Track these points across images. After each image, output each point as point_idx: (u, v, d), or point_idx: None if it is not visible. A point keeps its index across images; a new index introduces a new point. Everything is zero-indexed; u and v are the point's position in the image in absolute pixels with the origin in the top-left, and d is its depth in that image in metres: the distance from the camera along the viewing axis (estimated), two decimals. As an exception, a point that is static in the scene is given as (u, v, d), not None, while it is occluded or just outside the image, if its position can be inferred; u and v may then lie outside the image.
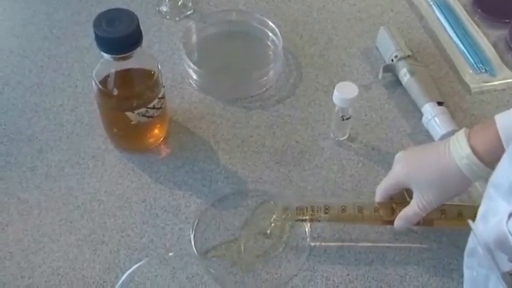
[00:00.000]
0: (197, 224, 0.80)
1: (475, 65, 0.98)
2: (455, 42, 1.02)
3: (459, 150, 0.66)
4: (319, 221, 0.76)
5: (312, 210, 0.76)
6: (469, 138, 0.66)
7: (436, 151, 0.70)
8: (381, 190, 0.76)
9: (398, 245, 0.79)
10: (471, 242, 0.59)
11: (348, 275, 0.76)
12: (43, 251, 0.77)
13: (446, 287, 0.75)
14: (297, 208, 0.77)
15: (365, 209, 0.76)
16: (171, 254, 0.77)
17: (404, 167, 0.73)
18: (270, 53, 1.01)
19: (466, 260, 0.61)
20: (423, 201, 0.70)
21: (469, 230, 0.58)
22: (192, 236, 0.79)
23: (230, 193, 0.83)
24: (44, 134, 0.90)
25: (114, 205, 0.82)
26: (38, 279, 0.75)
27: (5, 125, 0.90)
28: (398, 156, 0.75)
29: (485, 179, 0.57)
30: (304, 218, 0.76)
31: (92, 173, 0.85)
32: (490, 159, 0.65)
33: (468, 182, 0.68)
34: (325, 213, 0.76)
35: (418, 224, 0.74)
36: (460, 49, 1.01)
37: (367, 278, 0.76)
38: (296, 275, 0.76)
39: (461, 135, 0.67)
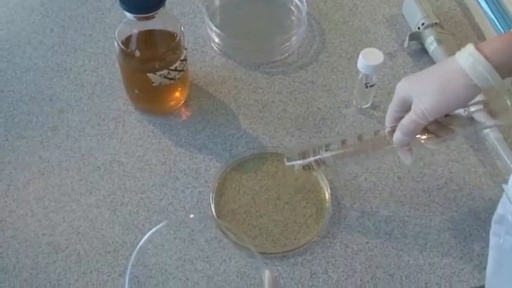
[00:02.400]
0: (217, 187, 0.80)
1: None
2: (484, 10, 0.99)
3: (463, 51, 0.60)
4: (325, 163, 0.73)
5: (314, 151, 0.73)
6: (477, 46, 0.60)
7: (439, 63, 0.64)
8: (388, 115, 0.69)
9: (419, 214, 0.78)
10: (501, 209, 0.58)
11: (368, 243, 0.75)
12: (63, 210, 0.78)
13: (467, 257, 0.74)
14: (298, 153, 0.74)
15: (364, 135, 0.71)
16: (191, 216, 0.77)
17: (405, 80, 0.66)
18: (294, 18, 0.99)
19: (494, 227, 0.60)
20: (420, 107, 0.62)
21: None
22: (211, 199, 0.79)
23: (250, 157, 0.83)
24: (65, 94, 0.89)
25: (134, 167, 0.82)
26: (59, 238, 0.76)
27: (26, 84, 0.90)
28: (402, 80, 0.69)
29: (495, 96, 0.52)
30: (309, 160, 0.73)
31: (112, 134, 0.85)
32: (498, 61, 0.57)
33: (472, 89, 0.59)
34: (326, 150, 0.72)
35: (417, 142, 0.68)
36: (489, 17, 0.98)
37: (387, 247, 0.75)
38: (315, 242, 0.75)
39: (468, 44, 0.61)
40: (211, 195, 0.79)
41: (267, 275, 0.68)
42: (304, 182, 0.80)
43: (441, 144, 0.69)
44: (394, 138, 0.67)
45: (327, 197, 0.78)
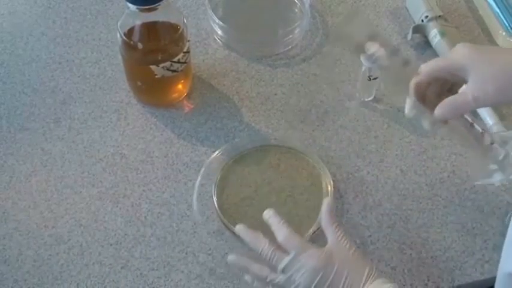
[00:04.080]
0: (219, 180, 0.80)
1: (508, 27, 0.95)
2: (488, 3, 0.98)
3: None
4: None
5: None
6: None
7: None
8: (426, 69, 0.65)
9: (422, 207, 0.78)
10: None
11: (370, 236, 0.75)
12: (66, 202, 0.78)
13: (469, 251, 0.74)
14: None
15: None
16: (195, 208, 0.77)
17: (465, 47, 0.62)
18: (297, 10, 0.99)
19: None
20: (479, 91, 0.59)
21: None
22: (213, 191, 0.78)
23: (253, 149, 0.83)
24: (68, 86, 0.89)
25: (136, 159, 0.82)
26: (61, 230, 0.76)
27: (29, 75, 0.90)
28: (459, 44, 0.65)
29: None
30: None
31: (115, 126, 0.85)
32: None
33: None
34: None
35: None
36: (493, 10, 0.97)
37: (389, 240, 0.75)
38: (317, 234, 0.75)
39: None
40: (213, 187, 0.79)
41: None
42: (307, 175, 0.80)
43: (466, 138, 0.67)
44: (437, 114, 0.63)
45: (329, 190, 0.78)
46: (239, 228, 0.68)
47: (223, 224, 0.76)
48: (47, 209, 0.77)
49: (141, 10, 0.75)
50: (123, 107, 0.87)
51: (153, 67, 0.79)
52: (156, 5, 0.75)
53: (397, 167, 0.82)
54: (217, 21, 0.92)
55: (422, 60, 0.92)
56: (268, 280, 0.64)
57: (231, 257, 0.67)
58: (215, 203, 0.77)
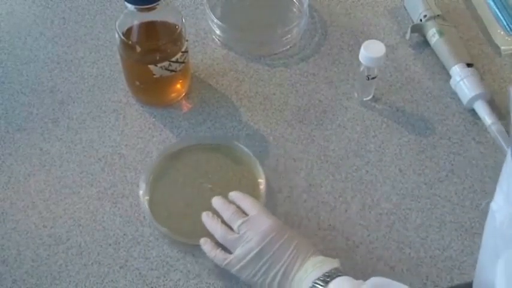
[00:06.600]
0: (152, 179, 0.79)
1: (506, 26, 0.95)
2: (487, 2, 0.98)
3: None
4: None
5: None
6: None
7: None
8: None
9: (420, 207, 0.78)
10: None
11: (369, 235, 0.75)
12: (64, 202, 0.78)
13: (468, 250, 0.74)
14: None
15: None
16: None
17: None
18: (295, 10, 0.99)
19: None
20: None
21: None
22: (146, 191, 0.78)
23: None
24: (66, 86, 0.89)
25: (134, 159, 0.82)
26: (60, 230, 0.76)
27: (27, 75, 0.90)
28: None
29: None
30: None
31: (113, 126, 0.85)
32: None
33: None
34: None
35: None
36: (491, 9, 0.97)
37: (388, 239, 0.75)
38: (316, 234, 0.75)
39: None
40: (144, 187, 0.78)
41: None
42: (240, 172, 0.80)
43: None
44: None
45: (261, 188, 0.78)
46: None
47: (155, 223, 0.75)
48: (46, 209, 0.77)
49: (140, 10, 0.75)
50: (122, 106, 0.87)
51: (151, 67, 0.79)
52: (155, 4, 0.75)
53: (396, 166, 0.82)
54: (215, 20, 0.92)
55: (420, 60, 0.93)
56: (225, 238, 0.68)
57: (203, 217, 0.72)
58: (146, 204, 0.77)
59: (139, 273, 0.72)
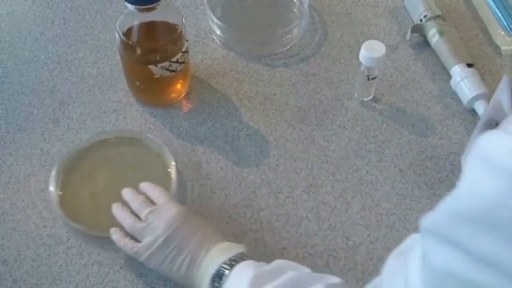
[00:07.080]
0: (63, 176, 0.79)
1: (507, 26, 0.95)
2: (487, 2, 0.98)
3: None
4: None
5: None
6: None
7: None
8: None
9: (421, 207, 0.78)
10: None
11: (369, 236, 0.75)
12: (65, 202, 0.78)
13: (468, 251, 0.74)
14: None
15: None
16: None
17: None
18: (295, 10, 0.99)
19: None
20: None
21: None
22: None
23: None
24: (66, 86, 0.89)
25: (135, 159, 0.82)
26: (60, 230, 0.76)
27: (27, 76, 0.90)
28: None
29: None
30: None
31: (114, 126, 0.85)
32: None
33: None
34: None
35: None
36: (492, 9, 0.97)
37: (388, 239, 0.75)
38: (316, 234, 0.75)
39: None
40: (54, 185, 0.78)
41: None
42: (151, 164, 0.80)
43: None
44: None
45: (172, 177, 0.78)
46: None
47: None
48: (46, 209, 0.77)
49: (140, 10, 0.75)
50: (122, 107, 0.87)
51: (151, 67, 0.79)
52: (155, 4, 0.75)
53: (396, 166, 0.82)
54: (215, 20, 0.92)
55: (420, 60, 0.92)
56: (133, 228, 0.69)
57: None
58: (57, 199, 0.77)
59: (140, 274, 0.72)
